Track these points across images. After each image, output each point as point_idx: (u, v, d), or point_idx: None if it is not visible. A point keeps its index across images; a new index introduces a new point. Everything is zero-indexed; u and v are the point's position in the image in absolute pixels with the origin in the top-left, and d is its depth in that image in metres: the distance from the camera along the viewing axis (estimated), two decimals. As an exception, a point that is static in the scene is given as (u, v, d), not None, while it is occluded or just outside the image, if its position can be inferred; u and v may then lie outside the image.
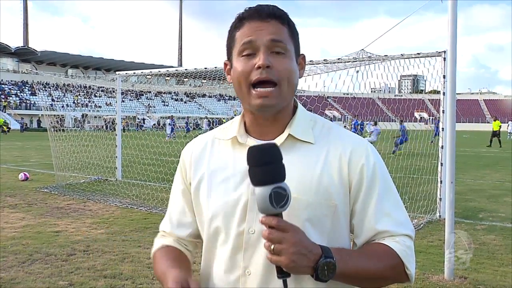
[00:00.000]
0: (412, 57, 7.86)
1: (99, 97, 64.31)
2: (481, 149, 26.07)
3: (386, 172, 1.29)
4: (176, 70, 14.37)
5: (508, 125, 38.10)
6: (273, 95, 1.19)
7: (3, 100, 59.18)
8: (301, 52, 1.31)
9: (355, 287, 1.24)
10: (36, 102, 60.13)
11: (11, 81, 66.45)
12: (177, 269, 1.21)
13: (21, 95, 64.08)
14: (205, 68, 10.62)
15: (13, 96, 62.93)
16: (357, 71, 8.70)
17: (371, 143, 1.43)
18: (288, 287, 1.08)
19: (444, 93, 6.84)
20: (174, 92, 76.45)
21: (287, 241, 1.05)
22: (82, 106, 58.73)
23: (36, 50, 70.37)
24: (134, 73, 12.20)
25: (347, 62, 8.64)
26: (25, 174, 11.67)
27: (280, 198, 1.04)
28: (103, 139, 13.50)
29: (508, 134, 36.75)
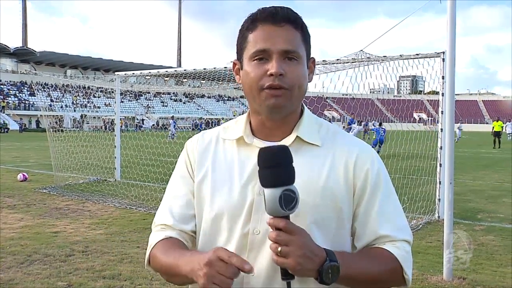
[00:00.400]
0: (411, 58, 7.87)
1: (98, 97, 64.26)
2: (480, 149, 26.09)
3: (388, 178, 1.31)
4: (175, 70, 14.37)
5: (507, 125, 38.08)
6: (283, 96, 1.20)
7: (2, 100, 59.12)
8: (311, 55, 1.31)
9: None
10: (35, 103, 60.07)
11: (10, 81, 66.38)
12: (193, 252, 1.17)
13: (20, 96, 64.02)
14: (204, 69, 10.62)
15: (12, 96, 62.86)
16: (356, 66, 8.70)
17: None
18: None
19: (443, 94, 6.84)
20: (173, 93, 76.43)
21: (294, 243, 1.06)
22: (81, 107, 58.73)
23: (35, 51, 70.33)
24: (133, 73, 12.19)
25: (346, 62, 8.65)
26: (23, 175, 11.65)
27: (289, 201, 1.05)
28: (102, 140, 13.49)
29: (508, 135, 36.71)
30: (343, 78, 9.22)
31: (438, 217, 7.60)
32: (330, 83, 9.53)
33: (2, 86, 63.80)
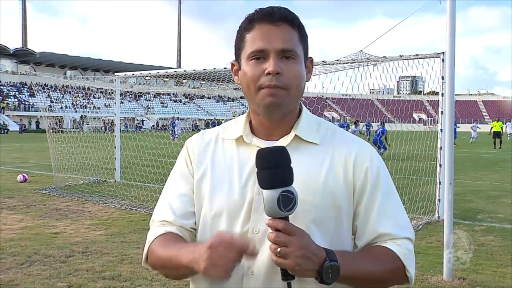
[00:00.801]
0: (411, 58, 7.87)
1: (98, 98, 64.27)
2: (480, 150, 26.09)
3: (388, 176, 1.31)
4: (175, 71, 14.38)
5: (507, 126, 38.00)
6: (281, 95, 1.20)
7: (1, 101, 59.12)
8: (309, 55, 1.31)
9: None
10: (35, 104, 60.08)
11: (10, 82, 66.38)
12: (195, 245, 1.16)
13: (20, 97, 64.02)
14: (204, 70, 10.62)
15: (11, 97, 62.87)
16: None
17: None
18: None
19: (442, 94, 6.84)
20: (173, 93, 76.45)
21: (293, 244, 1.06)
22: (81, 107, 58.75)
23: (34, 52, 70.35)
24: (133, 74, 12.18)
25: (346, 63, 8.66)
26: (23, 176, 11.66)
27: (288, 202, 1.05)
28: (102, 141, 13.49)
29: (508, 135, 36.65)
30: (343, 78, 9.25)
31: (438, 217, 7.60)
32: (330, 84, 9.57)
33: (2, 87, 63.80)
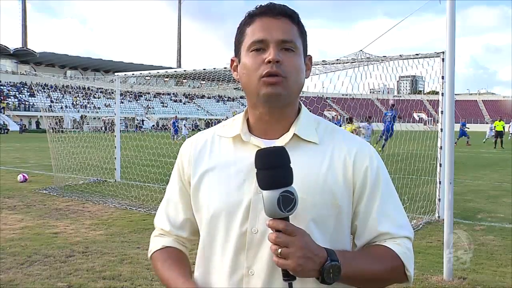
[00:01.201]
0: (411, 58, 7.87)
1: (98, 98, 64.28)
2: (480, 149, 26.09)
3: (388, 175, 1.31)
4: (175, 71, 14.37)
5: (510, 126, 37.92)
6: (281, 84, 1.20)
7: (1, 101, 59.12)
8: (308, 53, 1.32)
9: None
10: (35, 104, 60.12)
11: (10, 82, 66.39)
12: (186, 279, 1.23)
13: (20, 97, 64.03)
14: (204, 69, 10.61)
15: (12, 97, 62.89)
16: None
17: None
18: None
19: (442, 94, 6.84)
20: (173, 93, 76.43)
21: (294, 245, 1.06)
22: (81, 107, 58.75)
23: (35, 52, 70.37)
24: (133, 74, 12.18)
25: (346, 63, 8.65)
26: (24, 176, 11.66)
27: (288, 202, 1.05)
28: (102, 140, 13.49)
29: (510, 134, 36.59)
30: (343, 78, 9.22)
31: (438, 217, 7.60)
32: (330, 84, 9.55)
33: (2, 87, 63.81)
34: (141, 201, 9.04)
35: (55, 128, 12.98)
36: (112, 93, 13.17)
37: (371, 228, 1.26)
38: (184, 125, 34.53)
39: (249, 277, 1.20)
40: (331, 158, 1.25)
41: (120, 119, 13.75)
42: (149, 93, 71.32)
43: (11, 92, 64.15)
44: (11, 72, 69.59)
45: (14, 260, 5.33)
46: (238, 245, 1.21)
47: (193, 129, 45.28)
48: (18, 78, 67.94)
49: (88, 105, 61.79)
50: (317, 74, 9.90)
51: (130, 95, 67.56)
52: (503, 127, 28.89)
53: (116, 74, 12.45)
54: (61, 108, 55.06)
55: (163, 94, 75.60)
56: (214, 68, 10.37)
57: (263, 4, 1.27)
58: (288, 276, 1.08)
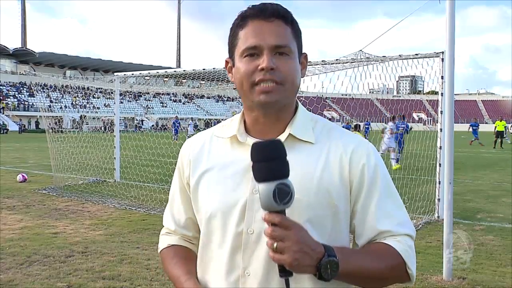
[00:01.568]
0: (410, 58, 7.87)
1: (98, 98, 64.29)
2: (479, 149, 26.09)
3: (386, 172, 1.29)
4: (175, 71, 14.38)
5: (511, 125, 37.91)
6: (275, 91, 1.19)
7: (1, 101, 59.09)
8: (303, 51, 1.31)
9: (355, 287, 1.24)
10: (34, 104, 60.08)
11: (9, 82, 66.36)
12: (188, 277, 1.26)
13: (19, 97, 64.01)
14: (204, 69, 10.62)
15: (11, 97, 62.86)
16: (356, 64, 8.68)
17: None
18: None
19: (442, 94, 6.85)
20: (173, 93, 76.46)
21: (290, 239, 1.03)
22: (81, 107, 58.72)
23: (34, 52, 70.36)
24: (132, 74, 12.18)
25: (346, 63, 8.65)
26: (23, 176, 11.65)
27: (284, 195, 1.02)
28: (102, 140, 13.48)
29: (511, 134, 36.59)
30: (343, 78, 9.25)
31: (438, 217, 7.60)
32: (329, 83, 9.60)
33: (1, 87, 63.78)
34: (140, 201, 9.04)
35: (55, 128, 12.98)
36: (112, 93, 13.20)
37: (371, 227, 1.24)
38: (189, 124, 34.93)
39: (245, 277, 1.19)
40: (327, 157, 1.23)
41: (120, 119, 13.75)
42: (148, 93, 71.36)
43: (10, 92, 64.12)
44: (10, 72, 69.57)
45: (13, 260, 5.32)
46: (234, 246, 1.21)
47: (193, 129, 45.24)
48: (17, 78, 67.92)
49: (88, 105, 61.76)
50: (316, 74, 9.91)
51: (130, 95, 67.55)
52: (505, 127, 28.82)
53: (115, 74, 12.45)
54: (61, 108, 55.05)
55: (162, 94, 75.61)
56: (213, 68, 10.37)
57: (255, 5, 1.24)
58: (284, 272, 1.05)
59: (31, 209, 8.33)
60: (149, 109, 71.14)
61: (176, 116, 37.41)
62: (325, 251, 1.08)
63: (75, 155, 12.45)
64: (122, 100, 54.11)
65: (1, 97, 60.60)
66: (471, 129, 30.47)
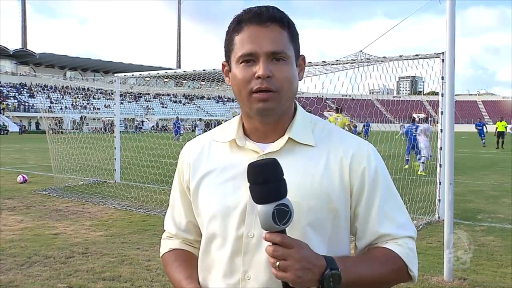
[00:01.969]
0: (411, 59, 7.87)
1: (98, 99, 64.27)
2: (480, 150, 26.09)
3: (387, 174, 1.29)
4: (175, 72, 14.39)
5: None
6: (272, 99, 1.18)
7: (1, 102, 59.11)
8: (300, 53, 1.29)
9: None
10: (34, 104, 60.05)
11: (10, 83, 66.38)
12: (190, 281, 1.27)
13: (20, 97, 64.02)
14: (204, 70, 10.61)
15: (11, 98, 62.87)
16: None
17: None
18: None
19: (442, 95, 6.84)
20: (173, 94, 76.44)
21: (292, 257, 1.04)
22: (81, 108, 58.73)
23: (34, 52, 70.38)
24: (132, 75, 12.18)
25: (346, 63, 8.66)
26: (23, 177, 11.65)
27: (283, 215, 1.03)
28: (102, 141, 13.49)
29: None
30: (343, 79, 9.24)
31: (438, 217, 7.60)
32: (329, 84, 9.58)
33: (1, 88, 63.81)
34: (141, 202, 9.03)
35: (55, 129, 13.00)
36: (112, 94, 13.19)
37: (372, 230, 1.24)
38: (197, 125, 35.29)
39: (246, 281, 1.19)
40: (327, 161, 1.23)
41: (120, 120, 13.76)
42: (148, 94, 71.21)
43: (10, 93, 64.13)
44: (10, 73, 69.60)
45: (14, 261, 5.32)
46: (235, 249, 1.21)
47: (192, 130, 45.25)
48: (17, 79, 67.95)
49: (88, 106, 61.76)
50: (317, 74, 9.91)
51: (130, 96, 67.48)
52: (505, 128, 28.81)
53: (115, 75, 12.44)
54: (61, 109, 55.04)
55: (162, 95, 75.56)
56: (214, 69, 10.36)
57: (251, 8, 1.22)
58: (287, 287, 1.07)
59: (32, 210, 8.33)
60: (149, 110, 71.14)
61: (177, 117, 37.38)
62: (327, 265, 1.08)
63: (75, 156, 12.45)
64: (122, 101, 54.09)
65: (2, 98, 60.63)
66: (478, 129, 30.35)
